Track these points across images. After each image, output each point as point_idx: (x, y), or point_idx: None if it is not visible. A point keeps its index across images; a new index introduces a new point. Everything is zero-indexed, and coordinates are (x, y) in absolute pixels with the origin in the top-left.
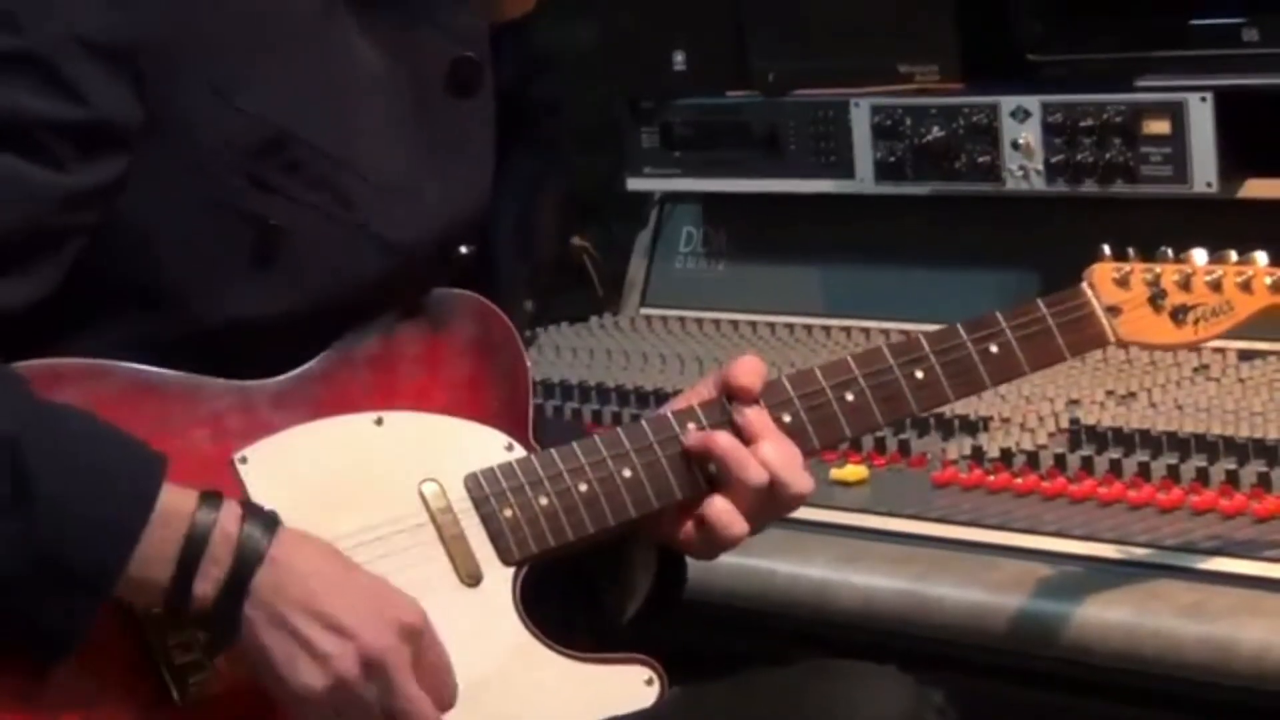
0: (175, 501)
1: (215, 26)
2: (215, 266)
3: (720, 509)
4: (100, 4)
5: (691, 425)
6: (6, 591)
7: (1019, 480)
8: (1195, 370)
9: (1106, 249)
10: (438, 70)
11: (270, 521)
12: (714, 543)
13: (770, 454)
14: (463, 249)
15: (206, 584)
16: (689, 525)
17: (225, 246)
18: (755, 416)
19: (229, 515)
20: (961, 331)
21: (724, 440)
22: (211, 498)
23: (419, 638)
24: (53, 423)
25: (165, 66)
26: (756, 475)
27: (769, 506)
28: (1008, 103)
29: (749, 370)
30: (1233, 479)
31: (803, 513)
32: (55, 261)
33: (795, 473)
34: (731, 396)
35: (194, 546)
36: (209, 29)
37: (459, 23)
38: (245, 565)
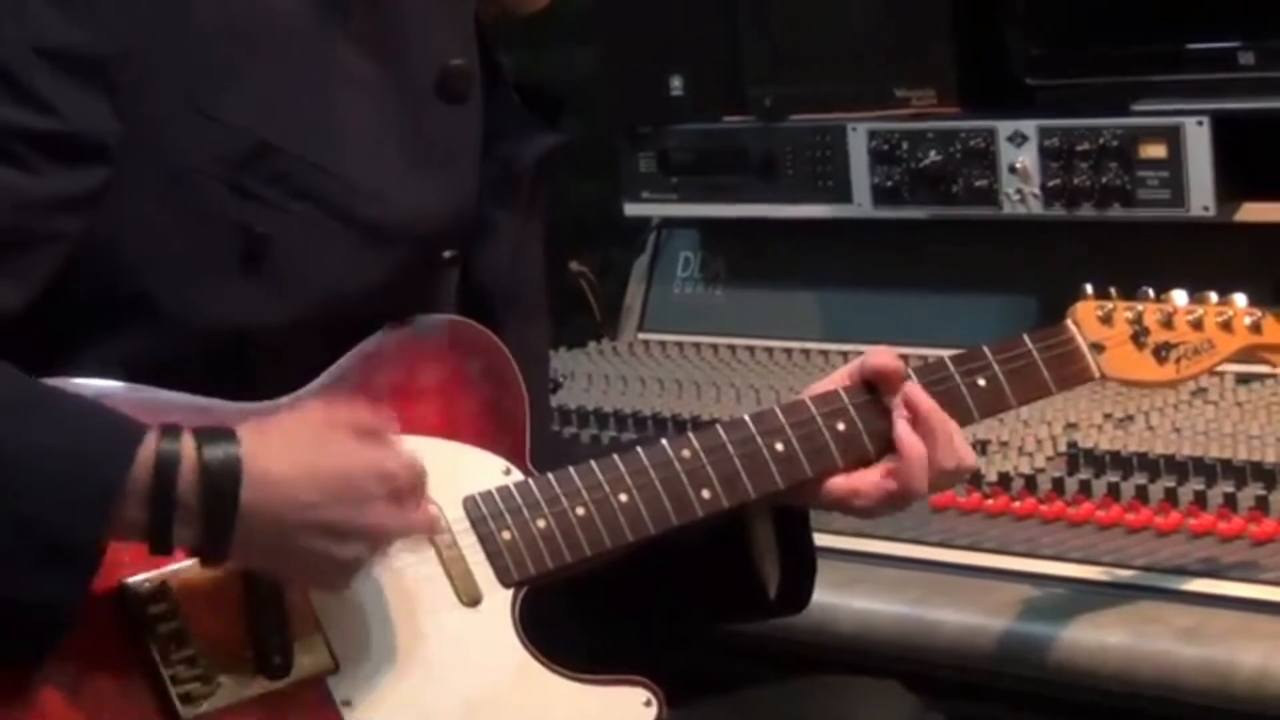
0: (144, 446)
1: (191, 39)
2: (204, 277)
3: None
4: (70, 18)
5: (685, 452)
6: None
7: (1017, 504)
8: (1193, 394)
9: (1089, 287)
10: (428, 77)
11: (227, 434)
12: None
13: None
14: (446, 254)
15: (186, 520)
16: (859, 480)
17: (212, 257)
18: (916, 391)
19: (186, 441)
20: (949, 365)
21: (927, 403)
22: (171, 429)
23: (411, 483)
24: (25, 390)
25: (140, 79)
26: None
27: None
28: (1005, 127)
29: (887, 355)
30: (1230, 502)
31: None
32: (31, 270)
33: (963, 446)
34: (876, 382)
35: (163, 477)
36: (185, 41)
37: (449, 29)
38: (220, 491)
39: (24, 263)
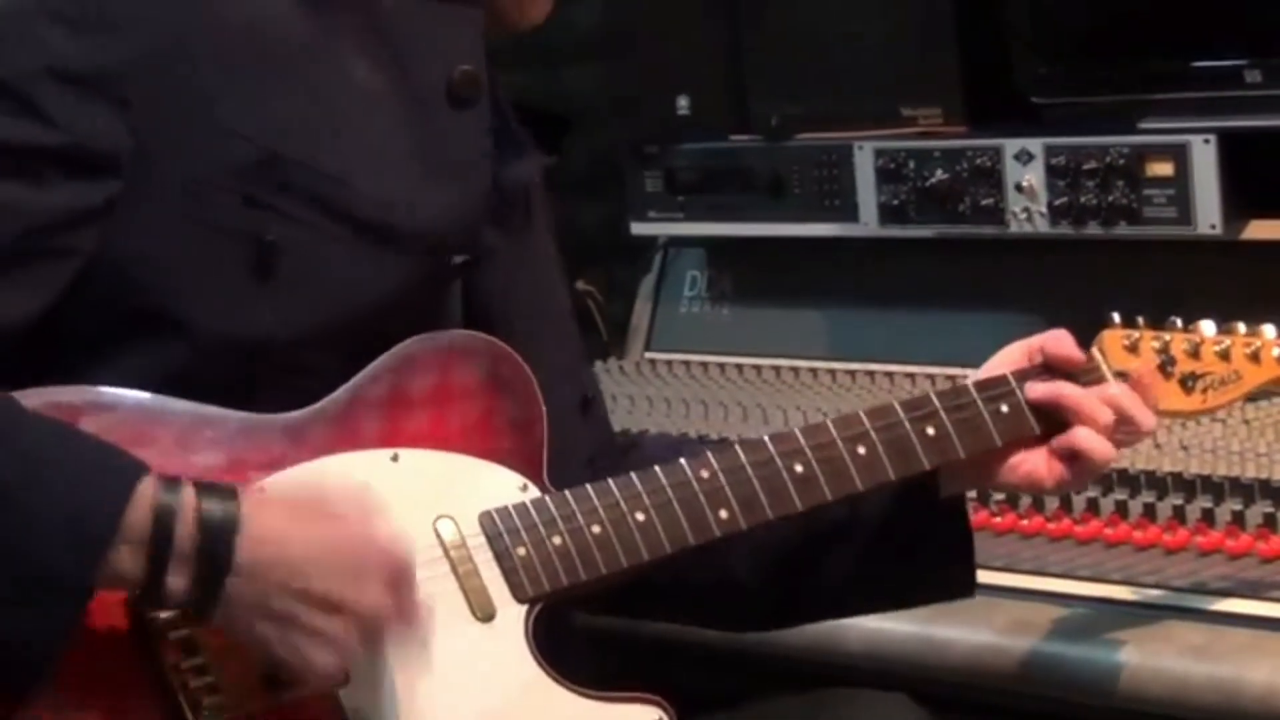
0: (142, 492)
1: (202, 51)
2: (216, 287)
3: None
4: (80, 35)
5: (704, 473)
6: None
7: (1025, 522)
8: None
9: (1116, 316)
10: (437, 83)
11: (227, 492)
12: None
13: (1120, 392)
14: (457, 259)
15: (179, 572)
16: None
17: (225, 268)
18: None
19: (187, 494)
20: (972, 390)
21: (1069, 387)
22: (171, 481)
23: (406, 579)
24: (24, 427)
25: (152, 92)
26: (1105, 410)
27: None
28: (1011, 145)
29: (1065, 341)
30: (1239, 520)
31: None
32: (42, 282)
33: (1143, 409)
34: (1055, 368)
35: (161, 529)
36: (196, 54)
37: (457, 35)
38: (215, 546)
39: (35, 276)
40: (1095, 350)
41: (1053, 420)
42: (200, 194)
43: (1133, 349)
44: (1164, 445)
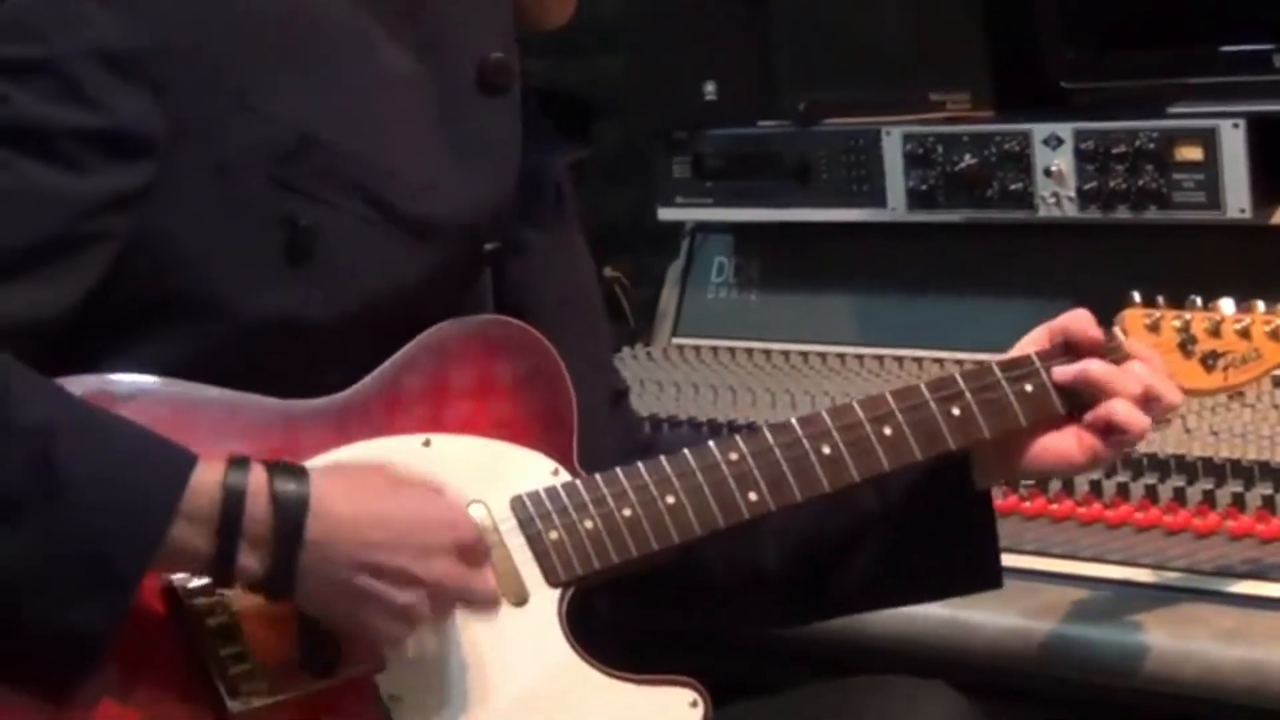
0: (206, 474)
1: (236, 35)
2: (250, 271)
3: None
4: (119, 15)
5: (733, 455)
6: (34, 590)
7: (1055, 506)
8: (1230, 396)
9: (1137, 295)
10: (467, 70)
11: (298, 471)
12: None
13: (1141, 369)
14: (488, 245)
15: (252, 552)
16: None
17: (258, 250)
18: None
19: (257, 474)
20: (997, 371)
21: (1096, 364)
22: (239, 460)
23: (476, 546)
24: (79, 415)
25: (188, 75)
26: (1134, 383)
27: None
28: (1040, 130)
29: (1086, 321)
30: (1269, 504)
31: None
32: (84, 270)
33: (1166, 382)
34: (1077, 348)
35: (231, 509)
36: (230, 37)
37: (488, 23)
38: (288, 524)
39: (76, 265)
40: (1117, 329)
41: (1078, 401)
42: (233, 177)
43: (1154, 328)
44: (1194, 430)
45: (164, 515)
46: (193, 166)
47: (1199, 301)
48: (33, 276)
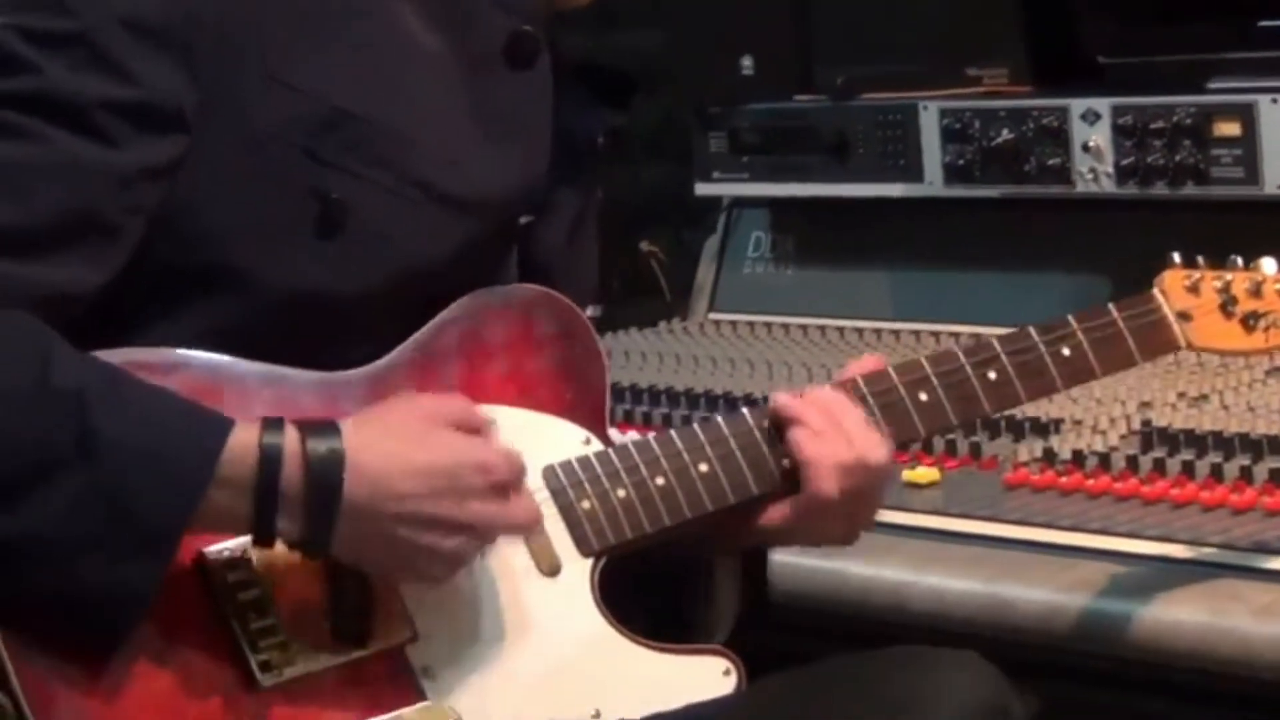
0: (241, 437)
1: (265, 7)
2: (281, 244)
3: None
4: None
5: (766, 421)
6: (74, 551)
7: (1091, 482)
8: (1268, 373)
9: (1177, 256)
10: (495, 43)
11: (331, 429)
12: (811, 534)
13: (851, 424)
14: (522, 219)
15: (290, 513)
16: (778, 515)
17: (289, 223)
18: (830, 394)
19: (291, 436)
20: (1034, 333)
21: (807, 409)
22: (273, 422)
23: (510, 484)
24: (118, 380)
25: (218, 47)
26: (842, 447)
27: (859, 481)
28: (1078, 105)
29: (860, 367)
30: None
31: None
32: (116, 243)
33: (869, 439)
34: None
35: (267, 472)
36: (260, 9)
37: None
38: (324, 485)
39: (108, 237)
40: (1156, 291)
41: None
42: (264, 150)
43: (1194, 289)
44: (1231, 407)
45: (202, 478)
46: (224, 139)
47: (1240, 262)
48: (65, 248)
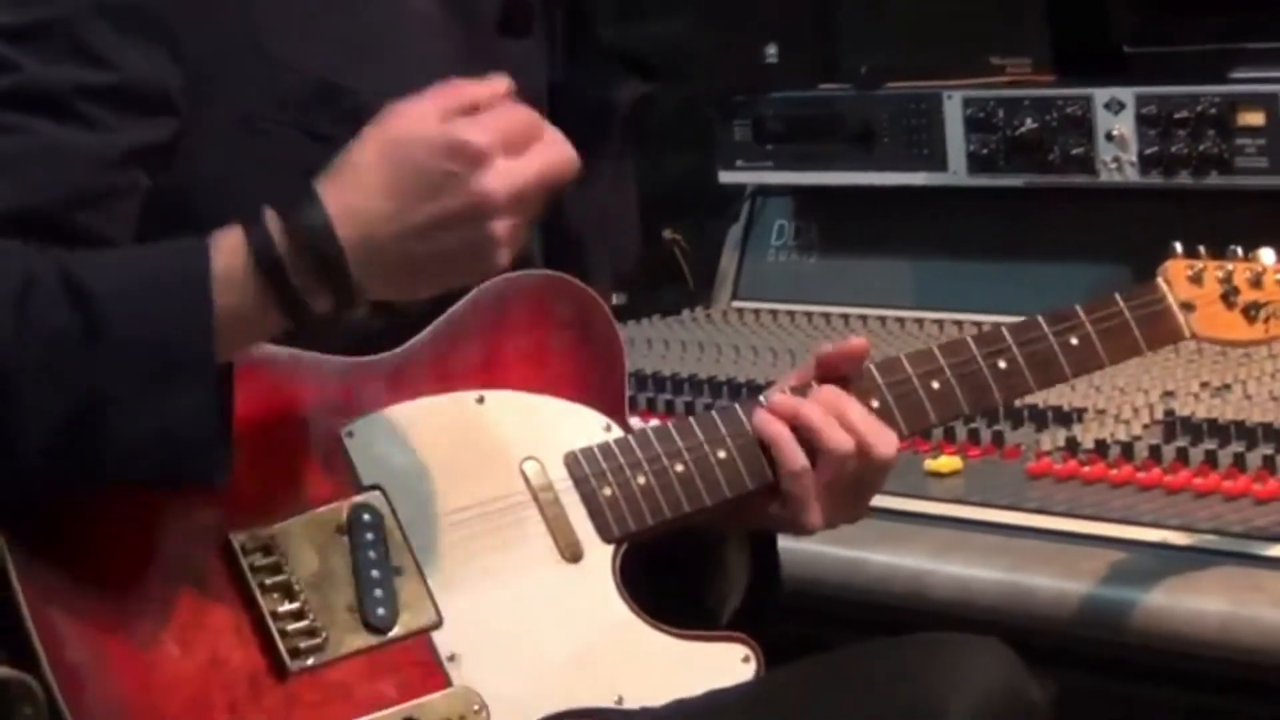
0: (227, 242)
1: None
2: None
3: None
4: None
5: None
6: (120, 407)
7: (1114, 471)
8: None
9: (1179, 246)
10: (489, 12)
11: (308, 198)
12: (791, 520)
13: (857, 419)
14: None
15: (310, 288)
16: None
17: (287, 201)
18: (830, 392)
19: (273, 220)
20: (1043, 323)
21: (807, 408)
22: (253, 218)
23: (493, 146)
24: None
25: (196, 25)
26: (843, 441)
27: (860, 476)
28: (1101, 94)
29: (844, 351)
30: None
31: (897, 503)
32: (103, 225)
33: (881, 434)
34: (831, 376)
35: (267, 262)
36: None
37: None
38: (324, 249)
39: (100, 220)
40: (1160, 281)
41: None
42: (258, 128)
43: (1196, 279)
44: (1254, 396)
45: (202, 284)
46: (218, 119)
47: (1240, 252)
48: (54, 234)
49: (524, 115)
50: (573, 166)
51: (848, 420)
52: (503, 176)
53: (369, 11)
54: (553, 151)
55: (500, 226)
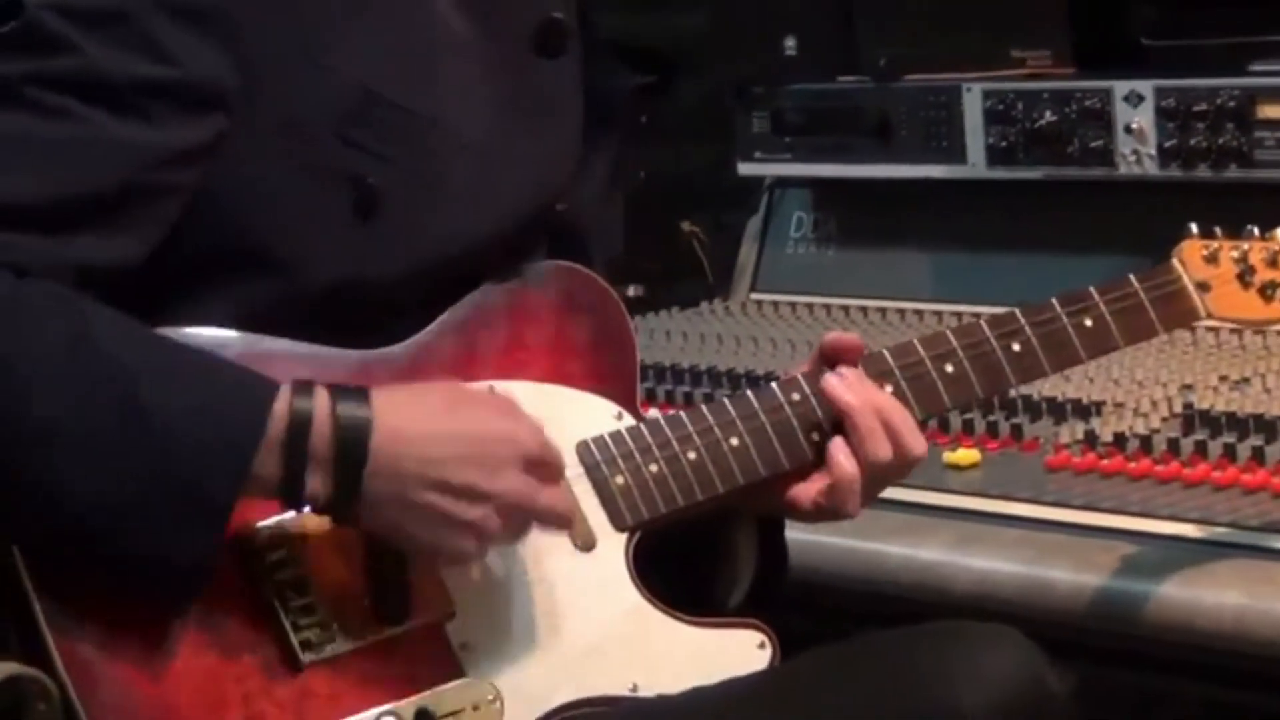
0: (279, 408)
1: None
2: (317, 228)
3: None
4: None
5: (795, 395)
6: (132, 525)
7: (1133, 464)
8: None
9: (1194, 227)
10: (524, 31)
11: (361, 393)
12: (831, 512)
13: (896, 420)
14: (559, 206)
15: (318, 474)
16: (801, 491)
17: (325, 208)
18: (855, 376)
19: (321, 397)
20: (1056, 305)
21: (859, 404)
22: (304, 385)
23: (542, 458)
24: (167, 350)
25: (255, 28)
26: (885, 448)
27: (890, 471)
28: (1121, 87)
29: (846, 339)
30: None
31: (916, 496)
32: (149, 220)
33: (915, 436)
34: (833, 362)
35: (297, 431)
36: None
37: None
38: (352, 446)
39: (146, 215)
40: (1175, 261)
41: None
42: (300, 133)
43: (1212, 259)
44: (1274, 389)
45: (252, 444)
46: (261, 121)
47: (1256, 231)
48: (96, 225)
49: (558, 454)
50: (564, 520)
51: (891, 425)
52: (531, 489)
53: (407, 26)
54: (567, 498)
55: (499, 525)
